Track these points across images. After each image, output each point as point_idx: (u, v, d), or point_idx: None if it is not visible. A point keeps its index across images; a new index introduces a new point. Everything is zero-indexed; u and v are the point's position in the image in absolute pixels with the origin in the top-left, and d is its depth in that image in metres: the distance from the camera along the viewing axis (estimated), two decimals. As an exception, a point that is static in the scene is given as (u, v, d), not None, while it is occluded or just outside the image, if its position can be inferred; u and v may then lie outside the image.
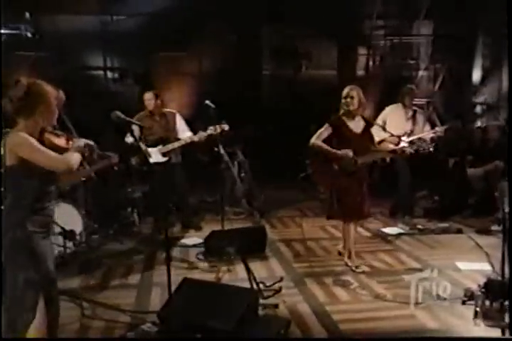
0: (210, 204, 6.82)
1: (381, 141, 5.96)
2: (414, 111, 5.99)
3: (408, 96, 5.91)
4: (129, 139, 5.64)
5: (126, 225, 5.77)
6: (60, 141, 2.69)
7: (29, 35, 8.33)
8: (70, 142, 2.75)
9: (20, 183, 2.51)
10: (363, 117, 4.44)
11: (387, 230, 5.70)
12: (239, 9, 8.77)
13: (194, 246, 5.20)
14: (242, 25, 9.44)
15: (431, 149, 4.44)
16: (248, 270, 3.87)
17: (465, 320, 3.46)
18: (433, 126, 6.32)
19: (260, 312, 3.60)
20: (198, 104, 8.21)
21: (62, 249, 4.56)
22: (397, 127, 5.89)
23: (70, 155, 2.59)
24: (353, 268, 4.45)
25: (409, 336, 3.31)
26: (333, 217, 4.54)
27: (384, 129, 4.81)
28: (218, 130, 5.25)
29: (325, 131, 4.36)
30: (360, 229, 5.83)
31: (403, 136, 5.83)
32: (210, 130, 5.32)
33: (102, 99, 8.41)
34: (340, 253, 4.75)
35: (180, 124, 5.75)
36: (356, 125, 4.39)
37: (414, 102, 8.30)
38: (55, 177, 2.61)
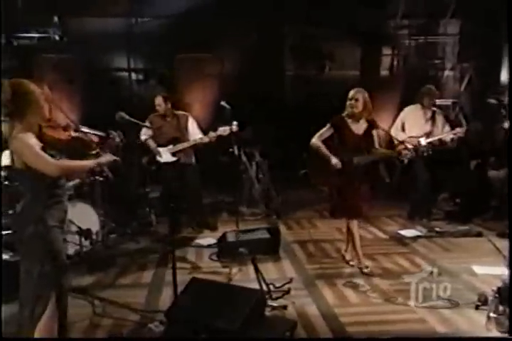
0: (229, 204, 6.83)
1: (400, 143, 5.91)
2: (434, 112, 5.88)
3: (427, 96, 5.80)
4: (143, 137, 5.76)
5: (144, 225, 5.84)
6: (59, 133, 2.75)
7: (57, 37, 8.51)
8: (71, 131, 2.81)
9: (33, 183, 2.60)
10: (368, 120, 4.42)
11: (404, 232, 5.61)
12: (261, 9, 8.76)
13: (208, 246, 5.24)
14: (265, 25, 9.43)
15: (430, 152, 4.36)
16: (257, 270, 3.88)
17: (477, 325, 3.40)
18: (454, 127, 6.18)
19: (268, 313, 3.61)
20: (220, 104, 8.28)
21: (78, 247, 4.66)
22: (415, 128, 5.82)
23: (70, 162, 2.64)
24: (363, 269, 4.45)
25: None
26: (334, 215, 4.57)
27: (397, 140, 4.71)
28: (228, 131, 5.30)
29: (326, 131, 4.42)
30: (376, 231, 5.81)
31: (421, 137, 5.74)
32: (220, 131, 5.37)
33: (126, 99, 8.55)
34: (344, 258, 4.71)
35: (193, 127, 5.84)
36: (358, 126, 4.40)
37: (439, 102, 8.15)
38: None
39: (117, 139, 2.97)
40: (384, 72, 10.01)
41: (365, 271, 4.40)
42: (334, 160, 4.29)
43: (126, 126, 3.95)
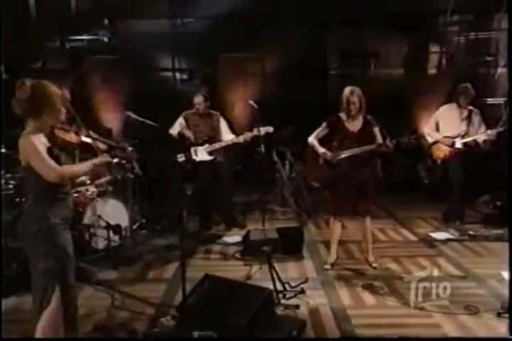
0: (260, 203, 6.84)
1: (434, 143, 5.76)
2: (470, 112, 5.66)
3: (463, 95, 5.60)
4: (174, 131, 5.86)
5: (174, 221, 5.96)
6: (71, 136, 2.84)
7: (106, 39, 8.83)
8: (81, 136, 2.90)
9: (36, 181, 2.67)
10: (365, 117, 4.43)
11: (435, 235, 5.47)
12: (305, 9, 8.73)
13: (233, 244, 5.29)
14: (309, 24, 9.38)
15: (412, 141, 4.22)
16: (271, 268, 3.91)
17: (495, 333, 3.29)
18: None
19: (280, 312, 3.63)
20: (263, 104, 8.31)
21: (106, 242, 4.83)
22: (450, 128, 5.65)
23: (72, 167, 2.71)
24: (372, 263, 4.58)
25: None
26: (334, 214, 4.57)
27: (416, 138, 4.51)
28: (262, 132, 5.34)
29: (322, 130, 4.52)
30: (406, 233, 5.70)
31: (457, 137, 5.57)
32: (255, 131, 5.44)
33: (171, 98, 8.74)
34: (367, 259, 4.66)
35: (224, 126, 5.93)
36: (354, 124, 4.42)
37: (491, 101, 7.82)
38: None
39: (127, 149, 3.02)
40: (432, 71, 9.75)
41: (374, 265, 4.55)
42: (322, 150, 4.42)
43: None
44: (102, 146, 3.00)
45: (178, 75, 9.59)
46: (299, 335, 3.33)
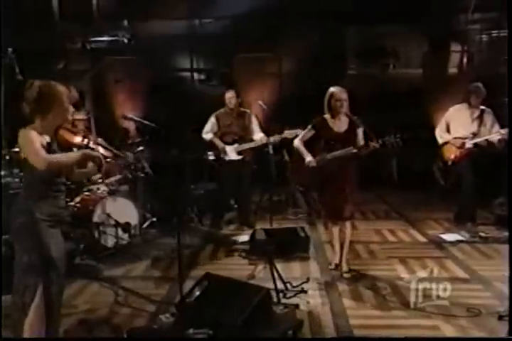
0: (272, 202, 6.83)
1: (445, 143, 5.69)
2: (482, 111, 5.56)
3: (474, 95, 5.50)
4: (207, 135, 5.91)
5: (185, 221, 6.03)
6: (74, 138, 2.89)
7: (125, 40, 8.97)
8: (86, 140, 2.96)
9: (30, 174, 2.71)
10: (350, 118, 4.36)
11: (446, 236, 5.42)
12: (322, 8, 8.70)
13: (241, 243, 5.33)
14: (327, 24, 9.35)
15: (398, 141, 4.12)
16: (271, 268, 3.93)
17: (496, 336, 3.24)
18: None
19: (279, 311, 3.64)
20: (281, 104, 8.34)
21: (115, 240, 4.93)
22: (461, 128, 5.56)
23: (57, 156, 2.71)
24: (343, 273, 4.38)
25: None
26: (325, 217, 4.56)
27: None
28: (293, 134, 5.35)
29: (308, 132, 4.46)
30: (416, 234, 5.64)
31: (467, 137, 5.48)
32: (286, 134, 5.45)
33: (189, 98, 8.83)
34: (336, 266, 4.52)
35: (255, 125, 5.95)
36: (340, 125, 4.35)
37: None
38: (60, 170, 2.79)
39: (129, 160, 3.07)
40: (452, 70, 9.60)
41: (346, 275, 4.34)
42: (308, 158, 4.37)
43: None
44: (107, 153, 3.02)
45: (196, 75, 9.70)
46: (295, 335, 3.34)
